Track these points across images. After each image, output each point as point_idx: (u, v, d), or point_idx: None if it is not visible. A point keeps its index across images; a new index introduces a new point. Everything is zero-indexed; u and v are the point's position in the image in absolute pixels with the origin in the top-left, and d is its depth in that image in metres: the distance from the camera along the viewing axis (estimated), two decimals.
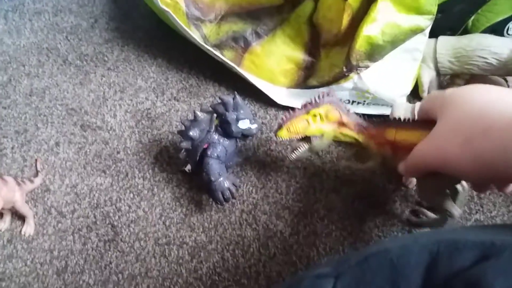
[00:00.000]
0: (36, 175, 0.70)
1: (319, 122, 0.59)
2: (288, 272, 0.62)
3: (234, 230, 0.66)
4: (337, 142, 0.63)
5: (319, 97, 0.59)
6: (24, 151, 0.75)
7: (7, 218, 0.66)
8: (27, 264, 0.61)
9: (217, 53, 0.80)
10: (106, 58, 0.92)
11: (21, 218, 0.66)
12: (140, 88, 0.86)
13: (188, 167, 0.70)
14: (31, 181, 0.68)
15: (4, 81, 0.87)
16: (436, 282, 0.30)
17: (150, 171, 0.73)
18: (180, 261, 0.62)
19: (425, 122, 0.55)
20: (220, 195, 0.63)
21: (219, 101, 0.64)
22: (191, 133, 0.64)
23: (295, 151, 0.63)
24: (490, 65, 0.73)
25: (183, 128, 0.66)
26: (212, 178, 0.63)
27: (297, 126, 0.59)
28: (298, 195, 0.70)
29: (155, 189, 0.71)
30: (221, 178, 0.63)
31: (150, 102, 0.84)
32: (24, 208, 0.64)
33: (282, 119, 0.60)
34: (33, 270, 0.61)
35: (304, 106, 0.59)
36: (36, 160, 0.73)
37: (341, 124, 0.60)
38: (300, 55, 0.81)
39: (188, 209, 0.68)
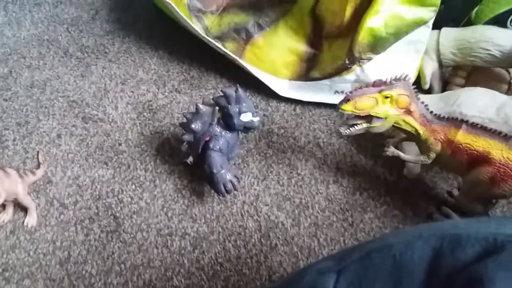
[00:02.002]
0: (38, 167, 0.70)
1: (388, 104, 0.57)
2: (290, 262, 0.62)
3: (236, 221, 0.66)
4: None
5: (394, 78, 0.56)
6: (25, 143, 0.75)
7: (10, 209, 0.66)
8: (30, 255, 0.62)
9: (218, 45, 0.80)
10: (107, 50, 0.92)
11: (24, 209, 0.66)
12: (141, 80, 0.86)
13: (190, 159, 0.70)
14: (33, 173, 0.68)
15: (5, 73, 0.87)
16: (439, 277, 0.30)
17: (152, 163, 0.73)
18: (182, 251, 0.62)
19: (498, 133, 0.56)
20: (222, 187, 0.63)
21: (221, 93, 0.64)
22: (193, 126, 0.64)
23: (350, 128, 0.59)
24: (493, 57, 0.73)
25: (185, 120, 0.66)
26: (214, 170, 0.63)
27: (365, 104, 0.56)
28: (300, 187, 0.70)
29: (157, 181, 0.71)
30: (223, 170, 0.63)
31: (151, 94, 0.84)
32: (27, 200, 0.65)
33: (350, 92, 0.57)
34: (36, 260, 0.61)
35: (377, 84, 0.56)
36: (38, 152, 0.73)
37: (408, 111, 0.58)
38: (302, 47, 0.81)
39: (190, 200, 0.68)
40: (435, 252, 0.31)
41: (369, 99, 0.56)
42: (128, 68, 0.89)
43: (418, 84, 0.80)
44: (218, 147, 0.64)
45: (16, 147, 0.75)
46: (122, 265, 0.61)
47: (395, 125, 0.60)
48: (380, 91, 0.56)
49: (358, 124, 0.59)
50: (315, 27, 0.80)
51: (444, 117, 0.59)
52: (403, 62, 0.74)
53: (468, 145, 0.57)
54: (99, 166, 0.72)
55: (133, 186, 0.70)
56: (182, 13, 0.79)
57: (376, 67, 0.73)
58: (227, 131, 0.65)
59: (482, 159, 0.57)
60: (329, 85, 0.77)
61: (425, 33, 0.72)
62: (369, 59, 0.72)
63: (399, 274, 0.31)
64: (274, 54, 0.81)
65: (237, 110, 0.62)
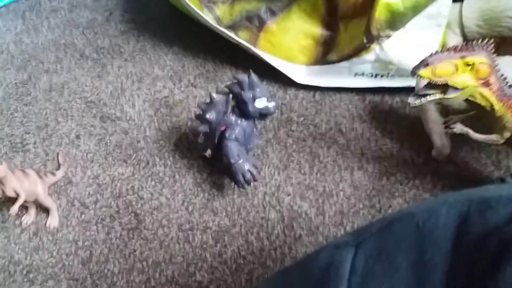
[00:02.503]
0: (58, 168, 0.71)
1: (467, 73, 0.52)
2: None
3: (258, 213, 0.64)
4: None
5: (477, 45, 0.51)
6: (46, 145, 0.76)
7: (32, 211, 0.66)
8: (53, 255, 0.62)
9: (231, 34, 0.78)
10: (122, 50, 0.92)
11: (46, 211, 0.66)
12: (157, 77, 0.86)
13: (208, 152, 0.68)
14: (53, 174, 0.68)
15: (24, 79, 0.88)
16: (468, 243, 0.27)
17: (171, 158, 0.72)
18: (204, 245, 0.61)
19: None
20: (241, 177, 0.61)
21: (235, 81, 0.62)
22: (207, 116, 0.63)
23: (422, 98, 0.54)
24: None
25: (200, 112, 0.65)
26: (232, 160, 0.61)
27: (444, 70, 0.51)
28: (322, 175, 0.68)
29: (177, 176, 0.69)
30: (241, 160, 0.61)
31: (167, 90, 0.83)
32: (47, 201, 0.65)
33: (429, 56, 0.51)
34: (59, 261, 0.61)
35: (459, 49, 0.51)
36: (57, 153, 0.73)
37: (486, 83, 0.53)
38: (318, 30, 0.78)
39: (210, 194, 0.67)
40: (462, 216, 0.28)
41: (450, 65, 0.51)
42: (144, 66, 0.88)
43: None
44: (234, 136, 0.62)
45: (37, 150, 0.75)
46: (144, 262, 0.60)
47: (470, 98, 0.54)
48: (462, 57, 0.51)
49: (432, 94, 0.53)
50: (329, 8, 0.76)
51: None
52: (424, 38, 0.70)
53: None
54: (118, 164, 0.72)
55: (153, 183, 0.69)
56: (193, 5, 0.77)
57: (396, 45, 0.70)
58: (243, 119, 0.63)
59: None
60: (348, 67, 0.74)
61: (446, 5, 0.68)
62: (388, 36, 0.69)
63: (422, 243, 0.29)
64: (289, 40, 0.78)
65: (251, 96, 0.60)
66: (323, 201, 0.65)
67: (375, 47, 0.70)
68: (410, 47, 0.70)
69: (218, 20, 0.81)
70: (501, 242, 0.25)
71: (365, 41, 0.70)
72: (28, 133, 0.78)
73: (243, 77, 0.60)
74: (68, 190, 0.69)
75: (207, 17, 0.78)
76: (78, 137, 0.76)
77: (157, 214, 0.65)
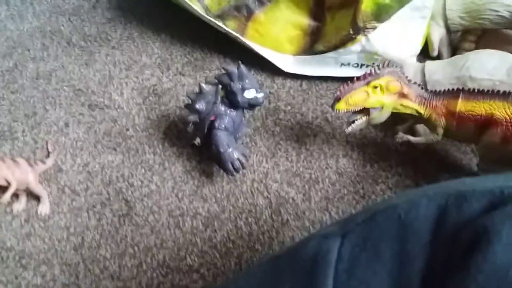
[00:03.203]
0: (47, 156, 0.71)
1: (379, 93, 0.57)
2: (302, 237, 0.62)
3: (246, 199, 0.66)
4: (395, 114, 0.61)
5: (379, 67, 0.57)
6: (34, 133, 0.76)
7: (23, 199, 0.66)
8: (45, 242, 0.62)
9: (219, 23, 0.79)
10: (109, 37, 0.92)
11: (37, 198, 0.67)
12: (145, 65, 0.86)
13: (197, 141, 0.69)
14: (43, 162, 0.68)
15: (11, 67, 0.87)
16: (445, 234, 0.29)
17: (160, 146, 0.73)
18: (194, 231, 0.63)
19: (497, 93, 0.55)
20: (230, 166, 0.62)
21: (224, 71, 0.63)
22: (197, 106, 0.64)
23: (352, 124, 0.60)
24: (503, 18, 0.70)
25: (189, 101, 0.66)
26: (221, 149, 0.62)
27: (356, 98, 0.57)
28: (309, 162, 0.70)
29: (166, 164, 0.71)
30: (230, 149, 0.63)
31: (156, 78, 0.83)
32: (38, 188, 0.65)
33: (339, 90, 0.57)
34: (51, 247, 0.62)
35: (363, 77, 0.57)
36: (47, 141, 0.73)
37: (402, 95, 0.58)
38: (305, 20, 0.79)
39: (200, 181, 0.68)
40: (440, 209, 0.30)
41: (360, 93, 0.57)
42: (131, 54, 0.88)
43: (426, 51, 0.78)
44: (223, 126, 0.63)
45: (25, 138, 0.75)
46: (136, 247, 0.61)
47: (395, 111, 0.60)
48: (367, 83, 0.57)
49: (358, 119, 0.60)
50: None
51: (440, 91, 0.59)
52: (409, 29, 0.72)
53: (471, 112, 0.57)
54: (108, 152, 0.73)
55: (143, 170, 0.70)
56: None
57: (381, 36, 0.72)
58: (232, 109, 0.65)
59: (488, 122, 0.56)
60: (335, 58, 0.75)
61: None
62: (374, 28, 0.71)
63: (404, 233, 0.31)
64: (277, 30, 0.79)
65: (240, 87, 0.62)
66: (309, 187, 0.67)
67: (361, 38, 0.72)
68: (395, 38, 0.72)
69: (207, 9, 0.81)
70: (474, 233, 0.27)
71: (351, 32, 0.71)
72: (16, 121, 0.78)
73: (233, 68, 0.62)
74: (58, 177, 0.69)
75: (196, 6, 0.79)
76: (67, 125, 0.77)
77: (147, 200, 0.66)
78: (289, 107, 0.77)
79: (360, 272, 0.32)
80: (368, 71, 0.58)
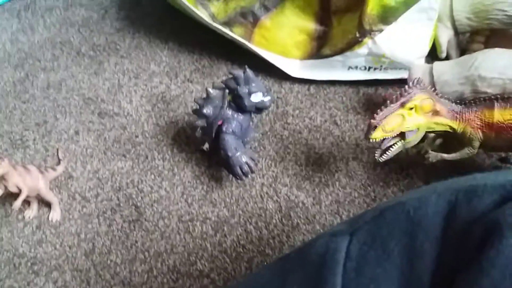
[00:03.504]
0: (58, 163, 0.72)
1: (415, 115, 0.54)
2: None
3: (256, 204, 0.66)
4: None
5: (409, 87, 0.53)
6: (45, 141, 0.77)
7: (34, 206, 0.67)
8: (56, 248, 0.63)
9: (226, 30, 0.80)
10: (118, 47, 0.93)
11: (48, 205, 0.67)
12: (153, 73, 0.87)
13: (206, 146, 0.70)
14: (54, 169, 0.69)
15: (22, 77, 0.89)
16: (456, 230, 0.29)
17: (169, 152, 0.73)
18: (204, 236, 0.62)
19: None
20: (239, 170, 0.62)
21: (230, 76, 0.63)
22: (204, 111, 0.64)
23: (387, 152, 0.57)
24: (511, 17, 0.70)
25: (197, 106, 0.66)
26: (229, 154, 0.62)
27: (393, 124, 0.53)
28: (318, 166, 0.69)
29: (175, 169, 0.71)
30: (238, 153, 0.63)
31: (164, 85, 0.84)
32: (49, 195, 0.66)
33: (374, 118, 0.53)
34: (62, 253, 0.62)
35: (395, 99, 0.53)
36: (57, 149, 0.74)
37: (435, 112, 0.55)
38: (311, 25, 0.80)
39: (209, 186, 0.68)
40: (450, 205, 0.30)
41: (396, 117, 0.53)
42: (140, 62, 0.89)
43: (434, 53, 0.78)
44: (231, 130, 0.63)
45: (36, 146, 0.76)
46: (146, 253, 0.61)
47: (428, 129, 0.57)
48: (402, 105, 0.53)
49: (393, 145, 0.56)
50: (322, 3, 0.78)
51: (472, 102, 0.56)
52: (415, 31, 0.72)
53: (510, 121, 0.54)
54: (117, 158, 0.73)
55: (152, 176, 0.70)
56: (188, 3, 0.79)
57: (388, 39, 0.72)
58: (239, 113, 0.65)
59: None
60: (342, 61, 0.75)
61: (436, 0, 0.70)
62: (380, 30, 0.71)
63: (413, 230, 0.30)
64: (283, 35, 0.80)
65: (247, 91, 0.62)
66: (319, 191, 0.67)
67: (367, 41, 0.72)
68: (402, 40, 0.72)
69: (213, 17, 0.82)
70: (486, 228, 0.27)
71: (357, 35, 0.71)
72: (28, 129, 0.79)
73: (239, 72, 0.62)
74: (69, 184, 0.70)
75: (202, 14, 0.79)
76: (77, 133, 0.77)
77: (157, 206, 0.66)
78: (297, 111, 0.77)
79: (369, 270, 0.32)
80: (398, 92, 0.54)
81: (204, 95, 0.66)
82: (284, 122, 0.76)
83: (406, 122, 0.54)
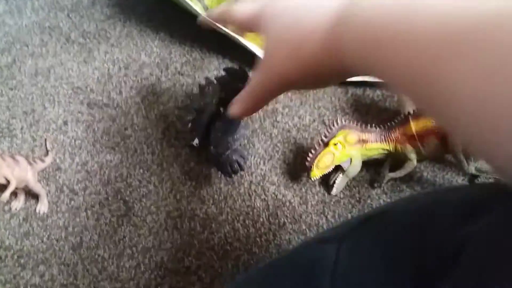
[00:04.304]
0: (46, 154, 0.71)
1: (341, 148, 0.62)
2: (298, 240, 0.63)
3: (244, 201, 0.67)
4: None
5: (330, 128, 0.62)
6: (33, 131, 0.76)
7: (21, 197, 0.67)
8: (43, 241, 0.63)
9: (219, 24, 0.79)
10: (108, 35, 0.91)
11: (35, 197, 0.67)
12: (144, 64, 0.86)
13: (196, 141, 0.70)
14: (42, 160, 0.69)
15: (9, 62, 0.87)
16: (433, 241, 0.31)
17: (159, 146, 0.73)
18: (192, 232, 0.63)
19: None
20: (229, 168, 0.63)
21: (223, 73, 0.63)
22: (195, 106, 0.64)
23: (334, 185, 0.65)
24: None
25: (188, 102, 0.66)
26: (220, 151, 0.63)
27: (324, 161, 0.62)
28: (305, 165, 0.70)
29: (164, 164, 0.71)
30: (229, 151, 0.63)
31: (154, 77, 0.84)
32: (37, 187, 0.66)
33: (307, 160, 0.62)
34: (49, 246, 0.63)
35: (321, 140, 0.62)
36: (45, 139, 0.74)
37: (364, 141, 0.63)
38: None
39: (198, 182, 0.69)
40: (428, 217, 0.32)
41: (325, 155, 0.62)
42: (130, 52, 0.88)
43: None
44: (222, 127, 0.64)
45: (24, 135, 0.75)
46: (134, 248, 0.62)
47: (365, 157, 0.64)
48: (327, 144, 0.62)
49: (336, 178, 0.65)
50: None
51: (392, 122, 0.63)
52: None
53: (426, 128, 0.61)
54: (106, 151, 0.73)
55: (141, 170, 0.71)
56: None
57: None
58: None
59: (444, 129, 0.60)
60: None
61: None
62: None
63: (396, 238, 0.32)
64: None
65: (239, 88, 0.62)
66: (306, 190, 0.68)
67: None
68: None
69: (207, 9, 0.81)
70: (457, 245, 0.29)
71: None
72: (15, 118, 0.78)
73: (232, 69, 0.62)
74: (57, 176, 0.70)
75: (196, 6, 0.79)
76: (65, 123, 0.77)
77: (145, 201, 0.67)
78: (286, 109, 0.78)
79: (356, 276, 0.33)
80: (323, 134, 0.62)
81: (195, 90, 0.66)
82: (274, 120, 0.76)
83: (336, 156, 0.62)
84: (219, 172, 0.67)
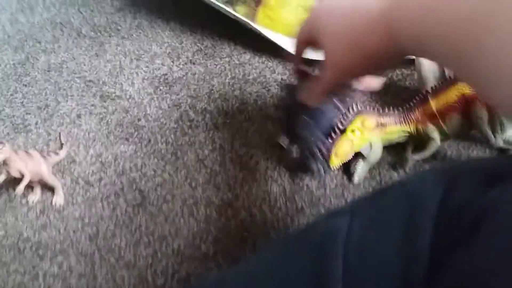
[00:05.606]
0: (60, 147, 0.71)
1: (359, 134, 0.59)
2: None
3: (260, 187, 0.65)
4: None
5: (346, 114, 0.58)
6: (47, 125, 0.76)
7: (38, 190, 0.67)
8: (60, 232, 0.63)
9: (229, 9, 0.78)
10: (119, 27, 0.91)
11: (51, 190, 0.67)
12: (155, 54, 0.85)
13: (283, 140, 0.66)
14: (56, 154, 0.69)
15: (22, 59, 0.88)
16: (451, 210, 0.30)
17: (172, 135, 0.73)
18: (209, 219, 0.62)
19: (450, 79, 0.58)
20: (318, 166, 0.59)
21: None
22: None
23: (355, 173, 0.63)
24: None
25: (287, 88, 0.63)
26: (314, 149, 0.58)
27: (343, 148, 0.59)
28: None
29: (179, 153, 0.70)
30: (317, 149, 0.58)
31: (166, 67, 0.83)
32: (52, 180, 0.66)
33: (320, 151, 0.58)
34: (66, 237, 0.62)
35: (337, 127, 0.58)
36: (59, 133, 0.74)
37: (382, 125, 0.61)
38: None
39: (213, 169, 0.68)
40: (447, 186, 0.31)
41: (344, 142, 0.59)
42: (141, 43, 0.88)
43: None
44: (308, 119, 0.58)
45: (38, 130, 0.75)
46: (150, 236, 0.61)
47: (387, 142, 0.62)
48: (343, 131, 0.58)
49: (357, 165, 0.62)
50: None
51: (410, 103, 0.61)
52: None
53: (447, 104, 0.58)
54: (120, 142, 0.72)
55: (155, 160, 0.70)
56: None
57: None
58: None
59: (466, 103, 0.58)
60: None
61: None
62: None
63: (412, 209, 0.31)
64: (287, 13, 0.78)
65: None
66: (325, 173, 0.66)
67: None
68: None
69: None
70: (479, 211, 0.27)
71: None
72: (29, 113, 0.78)
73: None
74: (72, 169, 0.70)
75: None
76: (79, 116, 0.77)
77: (161, 190, 0.66)
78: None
79: (370, 248, 0.32)
80: (338, 122, 0.58)
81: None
82: None
83: (355, 143, 0.59)
84: (233, 159, 0.66)
